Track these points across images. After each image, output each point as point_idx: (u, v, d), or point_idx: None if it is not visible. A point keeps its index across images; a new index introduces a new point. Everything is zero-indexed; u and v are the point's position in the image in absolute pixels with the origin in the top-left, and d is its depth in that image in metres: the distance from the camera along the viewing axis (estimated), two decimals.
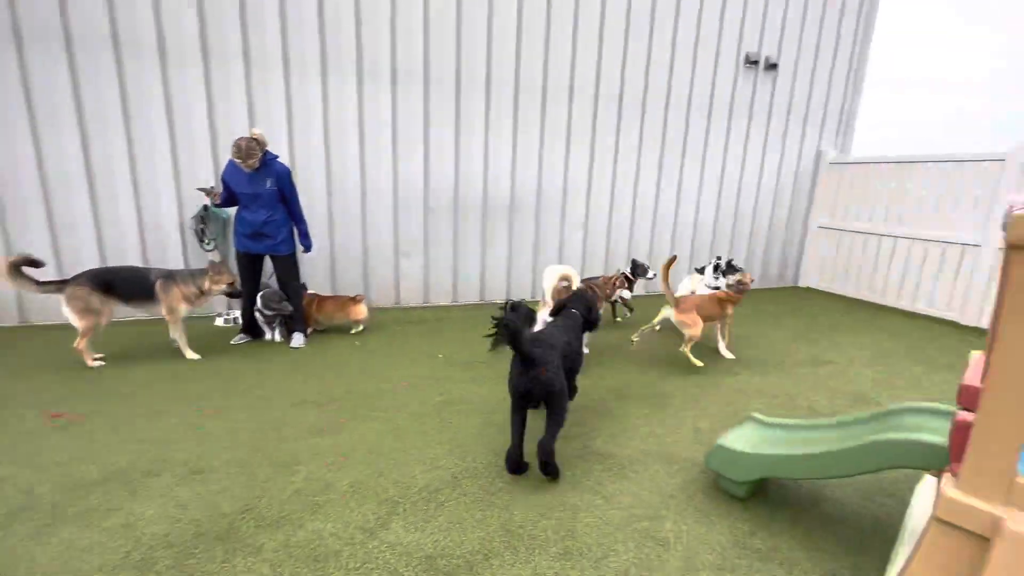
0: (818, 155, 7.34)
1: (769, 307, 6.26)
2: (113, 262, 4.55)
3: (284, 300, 4.18)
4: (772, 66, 6.67)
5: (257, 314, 4.25)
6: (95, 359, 3.63)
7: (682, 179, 6.63)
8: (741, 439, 2.34)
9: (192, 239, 4.75)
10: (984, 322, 5.31)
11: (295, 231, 4.20)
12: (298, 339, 4.25)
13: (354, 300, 4.58)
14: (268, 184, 3.89)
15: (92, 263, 4.49)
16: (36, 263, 3.43)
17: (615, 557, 1.93)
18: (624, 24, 5.81)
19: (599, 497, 2.30)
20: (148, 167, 4.55)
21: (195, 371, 3.62)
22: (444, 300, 5.82)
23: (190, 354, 3.83)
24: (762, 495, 2.35)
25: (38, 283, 3.46)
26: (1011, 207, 1.38)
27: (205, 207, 4.63)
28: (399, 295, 5.63)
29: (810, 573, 1.89)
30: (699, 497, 2.32)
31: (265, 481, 2.33)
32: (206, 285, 3.82)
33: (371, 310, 5.35)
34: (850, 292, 6.91)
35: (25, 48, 4.04)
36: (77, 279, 3.55)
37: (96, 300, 3.54)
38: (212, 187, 4.37)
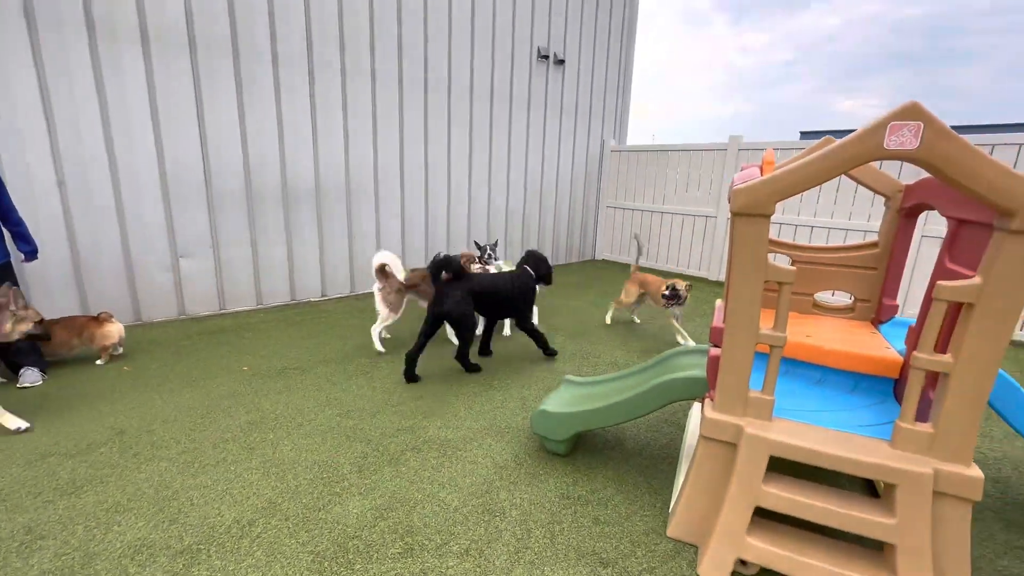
0: (602, 144, 8.43)
1: (572, 279, 7.03)
2: None
3: None
4: (560, 61, 7.36)
5: None
6: None
7: (491, 167, 6.93)
8: (558, 401, 2.57)
9: None
10: (724, 276, 6.86)
11: (4, 234, 3.16)
12: (31, 375, 3.23)
13: (97, 320, 3.62)
14: None
15: None
16: None
17: (455, 540, 1.94)
18: (423, 11, 5.72)
19: (435, 485, 2.28)
20: None
21: None
22: (246, 304, 5.07)
23: None
24: (581, 448, 2.63)
25: None
26: (733, 183, 1.74)
27: None
28: (183, 304, 4.71)
29: (620, 505, 2.18)
30: (528, 463, 2.49)
31: None
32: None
33: (140, 327, 4.38)
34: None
35: None
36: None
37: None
38: None
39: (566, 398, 2.62)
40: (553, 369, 3.70)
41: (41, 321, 2.82)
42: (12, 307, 2.69)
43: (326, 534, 1.96)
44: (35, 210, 3.84)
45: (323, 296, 5.59)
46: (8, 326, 2.67)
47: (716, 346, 2.01)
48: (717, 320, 2.19)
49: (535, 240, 7.83)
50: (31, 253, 3.26)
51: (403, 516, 2.07)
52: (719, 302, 2.58)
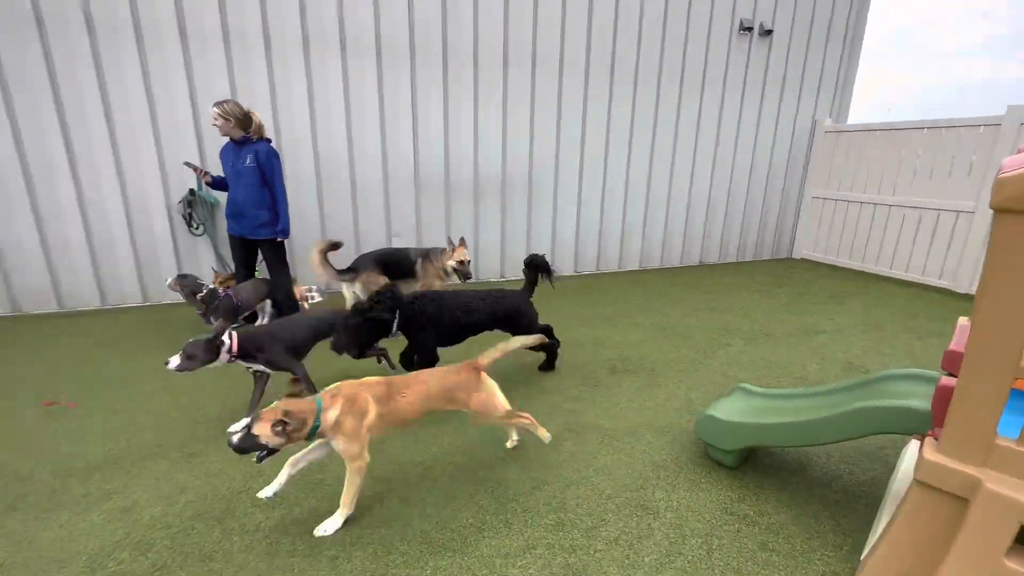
0: (813, 124, 7.25)
1: (762, 278, 6.27)
2: (102, 250, 4.53)
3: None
4: (767, 32, 6.52)
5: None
6: None
7: (675, 152, 6.56)
8: (730, 409, 2.37)
9: (181, 223, 4.71)
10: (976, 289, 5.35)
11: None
12: None
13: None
14: (247, 161, 3.80)
15: (82, 252, 4.48)
16: (337, 245, 3.90)
17: (606, 527, 1.97)
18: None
19: (591, 469, 2.33)
20: (130, 152, 4.46)
21: None
22: None
23: None
24: (751, 463, 2.39)
25: (337, 271, 3.87)
26: (1002, 168, 1.36)
27: (192, 191, 4.57)
28: None
29: (795, 536, 1.93)
30: (689, 467, 2.36)
31: None
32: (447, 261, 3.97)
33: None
34: (843, 262, 6.91)
35: None
36: (365, 265, 3.93)
37: (381, 282, 3.81)
38: (200, 167, 4.21)
39: (740, 407, 2.40)
40: (726, 374, 3.40)
41: (463, 261, 4.05)
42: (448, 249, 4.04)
43: (489, 490, 2.17)
44: (299, 197, 4.98)
45: (502, 276, 6.06)
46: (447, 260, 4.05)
47: (950, 375, 1.61)
48: (957, 342, 1.75)
49: (718, 234, 7.19)
50: (282, 233, 4.16)
51: (557, 491, 2.17)
52: (962, 320, 2.05)
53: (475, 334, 3.14)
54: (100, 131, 4.33)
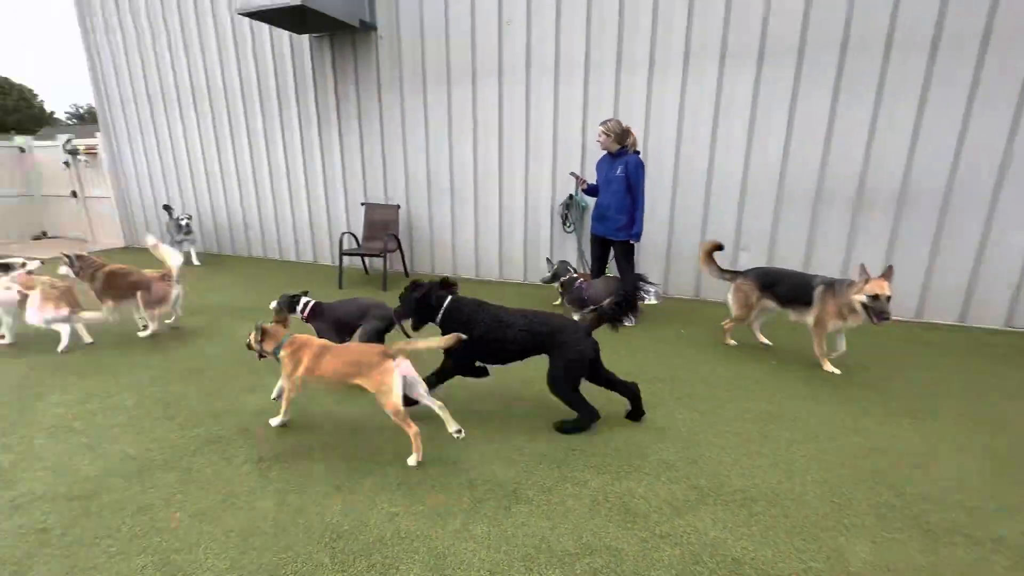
0: None
1: None
2: (506, 233, 6.05)
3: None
4: None
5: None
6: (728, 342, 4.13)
7: None
8: None
9: (558, 222, 5.79)
10: None
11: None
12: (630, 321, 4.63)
13: None
14: (618, 171, 4.33)
15: (494, 236, 6.10)
16: (720, 247, 4.09)
17: None
18: None
19: None
20: (535, 162, 5.76)
21: None
22: None
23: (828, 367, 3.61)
24: None
25: (721, 269, 4.06)
26: None
27: (570, 196, 5.53)
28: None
29: None
30: None
31: None
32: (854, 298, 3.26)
33: (696, 301, 5.28)
34: None
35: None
36: (747, 274, 3.92)
37: (755, 296, 3.85)
38: (581, 176, 5.04)
39: None
40: None
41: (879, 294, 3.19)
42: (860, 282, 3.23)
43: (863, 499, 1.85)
44: (653, 210, 5.30)
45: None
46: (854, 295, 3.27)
47: None
48: None
49: None
50: (635, 236, 4.49)
51: None
52: None
53: (516, 353, 2.77)
54: (519, 147, 5.77)
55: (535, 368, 3.32)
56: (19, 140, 9.81)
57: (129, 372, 3.52)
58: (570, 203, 5.55)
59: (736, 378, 3.43)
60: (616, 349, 3.97)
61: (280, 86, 6.88)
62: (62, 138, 9.12)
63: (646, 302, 5.22)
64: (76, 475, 2.35)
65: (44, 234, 10.00)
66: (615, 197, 4.40)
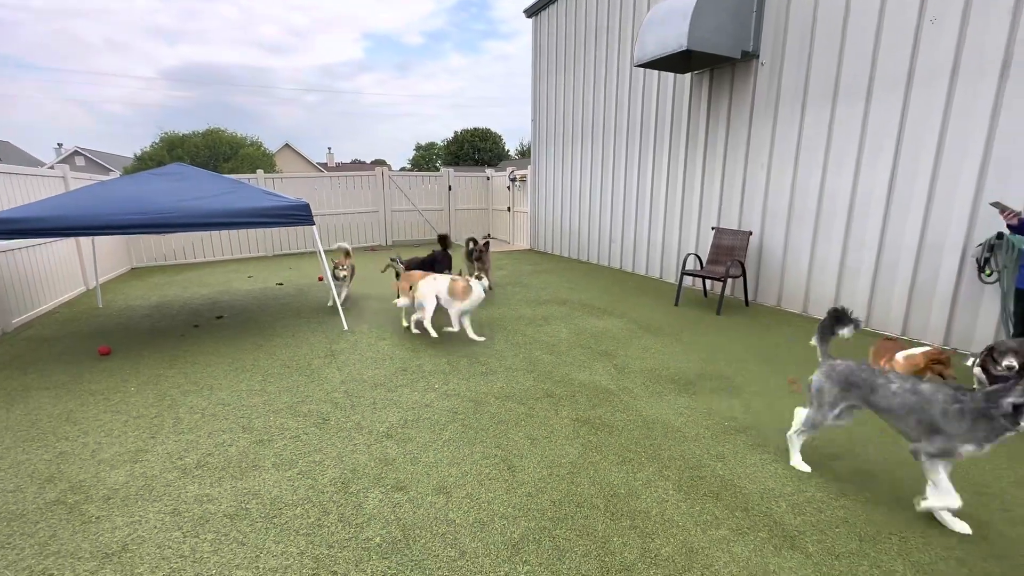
0: None
1: None
2: (884, 274, 4.99)
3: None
4: None
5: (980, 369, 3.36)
6: None
7: None
8: None
9: (971, 267, 4.37)
10: None
11: None
12: None
13: None
14: None
15: (867, 277, 5.14)
16: None
17: None
18: None
19: None
20: (943, 190, 4.52)
21: None
22: None
23: None
24: None
25: None
26: None
27: (999, 234, 4.10)
28: None
29: None
30: None
31: None
32: None
33: None
34: None
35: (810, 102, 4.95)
36: None
37: None
38: (1010, 208, 3.70)
39: None
40: None
41: None
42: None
43: None
44: None
45: None
46: None
47: None
48: None
49: None
50: None
51: None
52: None
53: None
54: (926, 165, 4.64)
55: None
56: (488, 171, 14.56)
57: (521, 342, 4.97)
58: (996, 244, 4.11)
59: None
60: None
61: (659, 121, 7.78)
62: (509, 169, 13.02)
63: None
64: (483, 391, 3.65)
65: (489, 235, 14.52)
66: None
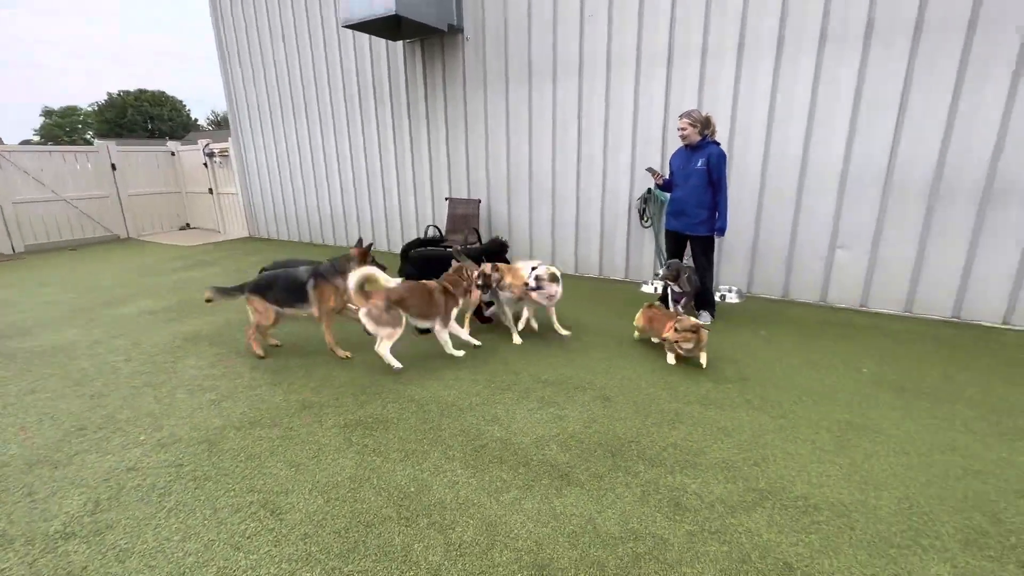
0: None
1: None
2: (584, 230, 6.08)
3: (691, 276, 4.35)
4: None
5: (668, 288, 4.64)
6: None
7: None
8: None
9: (635, 217, 5.71)
10: None
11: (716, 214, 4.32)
12: (705, 317, 4.48)
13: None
14: (699, 163, 4.16)
15: (571, 230, 6.15)
16: None
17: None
18: None
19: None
20: (613, 158, 5.72)
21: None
22: (890, 307, 4.67)
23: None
24: None
25: None
26: None
27: (649, 189, 5.43)
28: (826, 291, 4.92)
29: None
30: None
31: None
32: None
33: (782, 303, 4.97)
34: None
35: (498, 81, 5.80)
36: None
37: None
38: (658, 171, 4.93)
39: None
40: None
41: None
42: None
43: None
44: (738, 203, 5.03)
45: (1005, 323, 4.25)
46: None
47: None
48: None
49: None
50: (720, 231, 4.30)
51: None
52: None
53: None
54: (598, 141, 5.76)
55: (598, 359, 3.38)
56: (171, 145, 11.56)
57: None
58: (648, 197, 5.45)
59: (816, 384, 3.22)
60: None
61: (378, 89, 7.46)
62: (202, 142, 10.62)
63: (726, 301, 5.02)
64: (205, 424, 2.85)
65: (187, 225, 11.71)
66: (694, 191, 4.25)
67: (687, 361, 3.56)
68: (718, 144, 4.18)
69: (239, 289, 3.76)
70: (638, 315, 3.97)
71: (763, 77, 4.76)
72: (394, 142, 7.55)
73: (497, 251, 4.73)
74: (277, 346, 4.05)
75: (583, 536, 1.95)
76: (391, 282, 3.45)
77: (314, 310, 3.73)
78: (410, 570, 1.81)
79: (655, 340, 3.83)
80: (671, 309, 4.52)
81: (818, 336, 4.08)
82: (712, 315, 4.52)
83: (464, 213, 6.69)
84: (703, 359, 3.49)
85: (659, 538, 1.93)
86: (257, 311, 3.73)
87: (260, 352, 3.81)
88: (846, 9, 4.31)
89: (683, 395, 3.09)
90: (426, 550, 1.90)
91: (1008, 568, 1.77)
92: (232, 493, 2.25)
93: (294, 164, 9.03)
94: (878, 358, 3.60)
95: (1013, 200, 4.04)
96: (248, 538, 1.98)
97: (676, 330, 3.42)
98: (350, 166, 8.22)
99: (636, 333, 4.04)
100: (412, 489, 2.24)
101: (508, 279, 4.00)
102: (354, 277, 3.27)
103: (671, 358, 3.59)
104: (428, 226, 7.00)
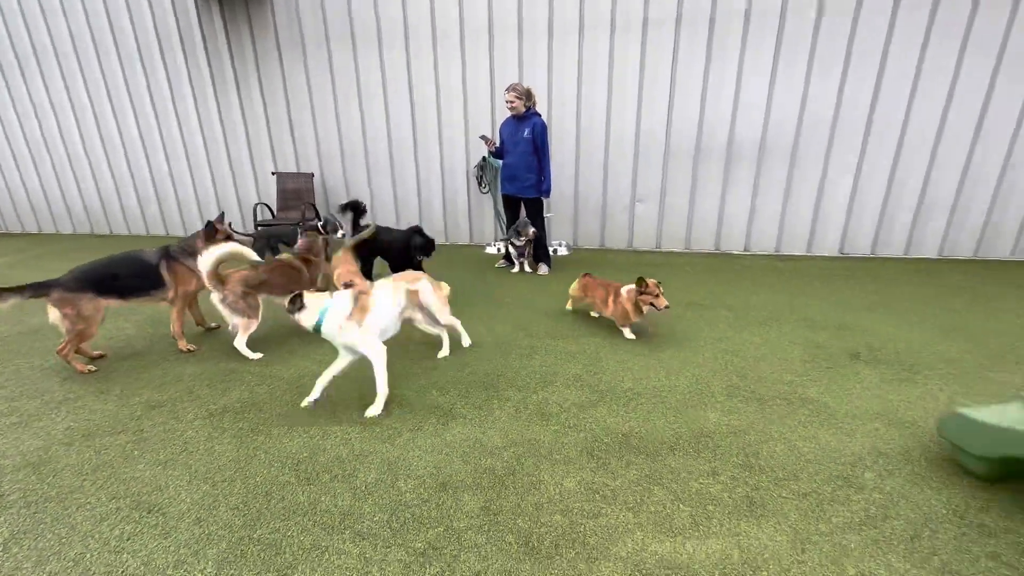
0: None
1: None
2: (425, 198, 6.25)
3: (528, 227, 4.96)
4: None
5: (509, 246, 5.20)
6: None
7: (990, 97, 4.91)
8: (998, 413, 2.03)
9: (474, 183, 6.09)
10: None
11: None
12: (543, 268, 5.13)
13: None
14: (525, 133, 4.69)
15: (413, 197, 6.27)
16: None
17: (796, 482, 2.06)
18: None
19: (796, 435, 2.37)
20: (448, 127, 5.97)
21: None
22: (675, 247, 5.95)
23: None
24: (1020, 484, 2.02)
25: None
26: None
27: (484, 157, 5.84)
28: (632, 239, 6.02)
29: None
30: (920, 462, 2.16)
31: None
32: None
33: (601, 251, 5.92)
34: None
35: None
36: None
37: None
38: (490, 138, 5.36)
39: (1015, 416, 2.03)
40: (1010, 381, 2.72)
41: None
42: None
43: (686, 425, 2.47)
44: (561, 166, 5.76)
45: (745, 250, 5.79)
46: None
47: None
48: None
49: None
50: (544, 192, 4.95)
51: (752, 441, 2.31)
52: None
53: None
54: (432, 115, 5.93)
55: (465, 317, 3.70)
56: None
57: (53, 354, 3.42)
58: (484, 164, 5.86)
59: None
60: (538, 293, 4.45)
61: (165, 47, 6.37)
62: None
63: (558, 254, 5.77)
64: (17, 449, 2.41)
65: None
66: (523, 158, 4.77)
67: (539, 304, 4.12)
68: (539, 115, 4.74)
69: (40, 287, 2.93)
70: (573, 285, 3.88)
71: (570, 56, 5.46)
72: (196, 110, 6.58)
73: (354, 209, 4.71)
74: (101, 357, 3.41)
75: (473, 453, 2.29)
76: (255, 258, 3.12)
77: (171, 293, 3.28)
78: (322, 518, 1.93)
79: (594, 315, 3.79)
80: (515, 266, 5.09)
81: (631, 274, 5.02)
82: (549, 266, 5.20)
83: (296, 187, 6.28)
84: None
85: (533, 440, 2.38)
86: (81, 316, 2.98)
87: (85, 368, 3.14)
88: (628, 2, 5.19)
89: (536, 333, 3.62)
90: (334, 498, 2.03)
91: (751, 404, 2.65)
92: (88, 506, 2.03)
93: (71, 139, 7.20)
94: (672, 286, 4.65)
95: (744, 155, 5.47)
96: (128, 539, 1.85)
97: (641, 292, 3.32)
98: (140, 142, 6.91)
99: (569, 303, 3.96)
100: (305, 454, 2.31)
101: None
102: (209, 257, 2.88)
103: (628, 333, 3.52)
104: (256, 204, 6.38)
